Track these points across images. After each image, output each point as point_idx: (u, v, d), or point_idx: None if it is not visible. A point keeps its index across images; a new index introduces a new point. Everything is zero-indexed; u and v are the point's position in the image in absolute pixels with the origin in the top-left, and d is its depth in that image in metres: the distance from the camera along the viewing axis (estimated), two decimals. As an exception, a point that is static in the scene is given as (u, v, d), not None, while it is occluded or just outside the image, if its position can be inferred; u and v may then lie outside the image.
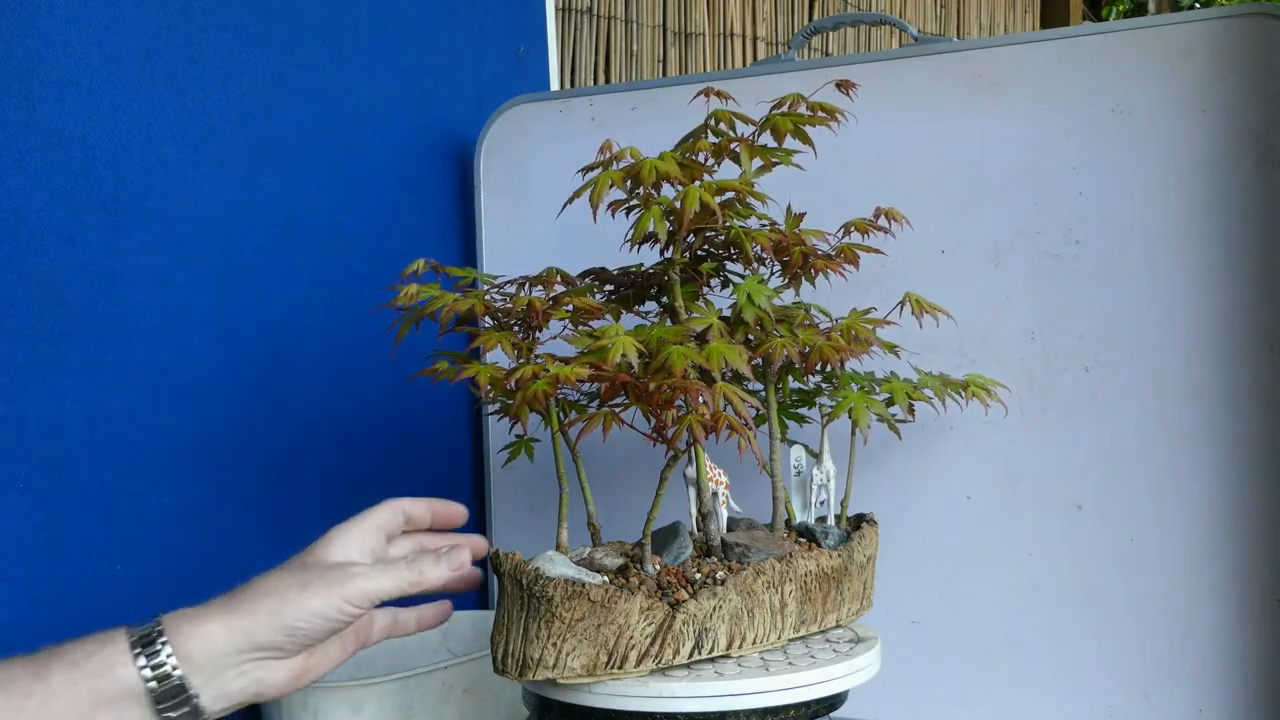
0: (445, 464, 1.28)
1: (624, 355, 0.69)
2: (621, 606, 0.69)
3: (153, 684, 0.63)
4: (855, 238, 0.86)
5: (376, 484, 1.17)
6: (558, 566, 0.72)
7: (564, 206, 0.77)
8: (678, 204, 0.75)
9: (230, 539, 1.00)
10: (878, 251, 0.84)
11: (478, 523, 1.31)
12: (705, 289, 0.84)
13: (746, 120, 0.79)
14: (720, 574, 0.74)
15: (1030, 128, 1.02)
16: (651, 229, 0.74)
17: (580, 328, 0.77)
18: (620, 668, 0.70)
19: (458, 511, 0.80)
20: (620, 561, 0.75)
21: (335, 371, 1.12)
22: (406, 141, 1.24)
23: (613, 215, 0.78)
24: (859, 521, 0.88)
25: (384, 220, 1.20)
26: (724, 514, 0.82)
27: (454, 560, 0.70)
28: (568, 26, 1.88)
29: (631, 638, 0.70)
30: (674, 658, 0.71)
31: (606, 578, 0.72)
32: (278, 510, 1.05)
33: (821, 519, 0.88)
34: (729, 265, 0.85)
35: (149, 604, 0.92)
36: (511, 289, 0.82)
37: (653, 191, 0.75)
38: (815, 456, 0.88)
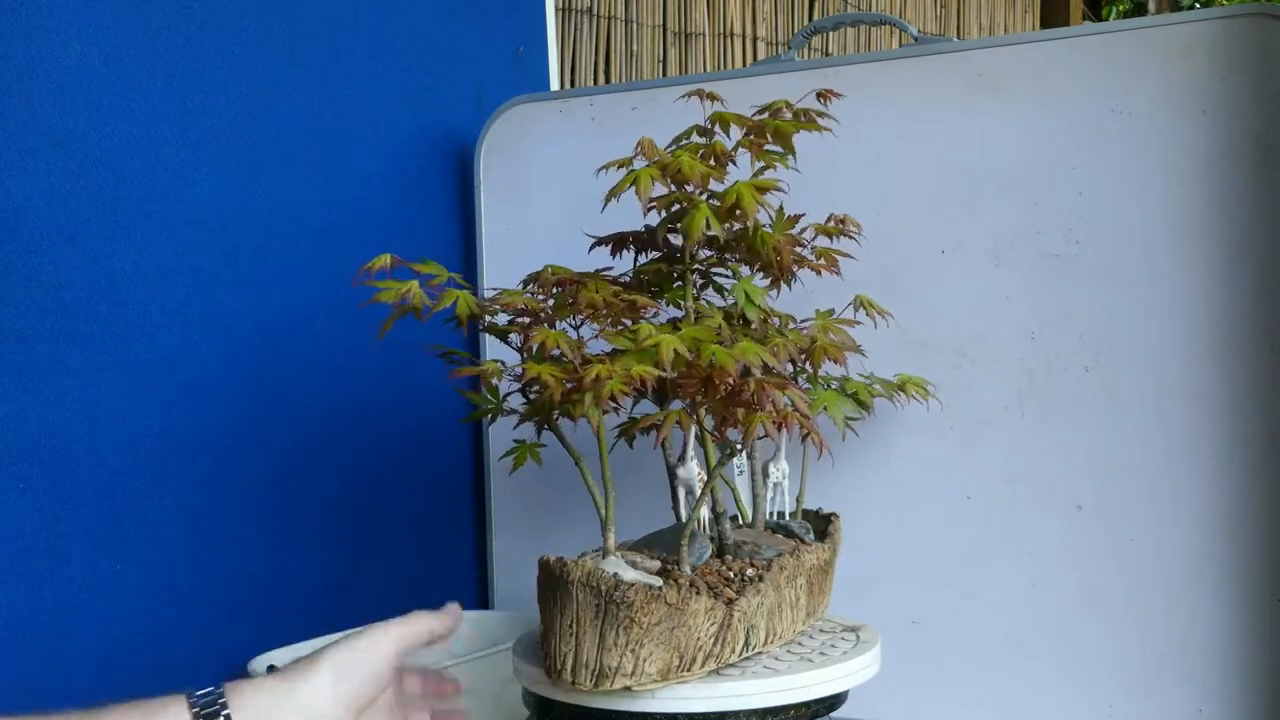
0: (445, 464, 1.28)
1: (676, 353, 0.69)
2: (693, 608, 0.69)
3: None
4: (823, 241, 0.86)
5: (376, 485, 1.17)
6: (627, 571, 0.71)
7: (607, 202, 0.75)
8: (719, 203, 0.74)
9: (230, 539, 1.00)
10: (848, 256, 0.85)
11: (477, 524, 1.31)
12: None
13: (744, 122, 0.79)
14: (750, 572, 0.75)
15: (1030, 128, 1.02)
16: (707, 228, 0.73)
17: (618, 327, 0.76)
18: (689, 670, 0.70)
19: (449, 626, 0.76)
20: (657, 564, 0.75)
21: (335, 371, 1.12)
22: (406, 141, 1.24)
23: (660, 212, 0.77)
24: (826, 518, 0.89)
25: (384, 220, 1.20)
26: (706, 512, 0.82)
27: None
28: (568, 26, 1.88)
29: (699, 639, 0.70)
30: (730, 656, 0.71)
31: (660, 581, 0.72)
32: (277, 510, 1.05)
33: (781, 514, 0.89)
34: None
35: (148, 603, 0.92)
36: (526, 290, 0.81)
37: (688, 189, 0.75)
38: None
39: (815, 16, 2.50)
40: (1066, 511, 1.01)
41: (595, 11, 1.93)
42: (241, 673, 0.98)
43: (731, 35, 2.24)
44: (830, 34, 2.60)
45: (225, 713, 0.63)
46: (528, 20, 1.48)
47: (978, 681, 1.04)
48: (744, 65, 2.26)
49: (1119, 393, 0.99)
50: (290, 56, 1.08)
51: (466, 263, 1.30)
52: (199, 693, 0.64)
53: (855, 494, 1.08)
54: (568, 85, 1.86)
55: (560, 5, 1.85)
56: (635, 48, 2.01)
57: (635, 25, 2.01)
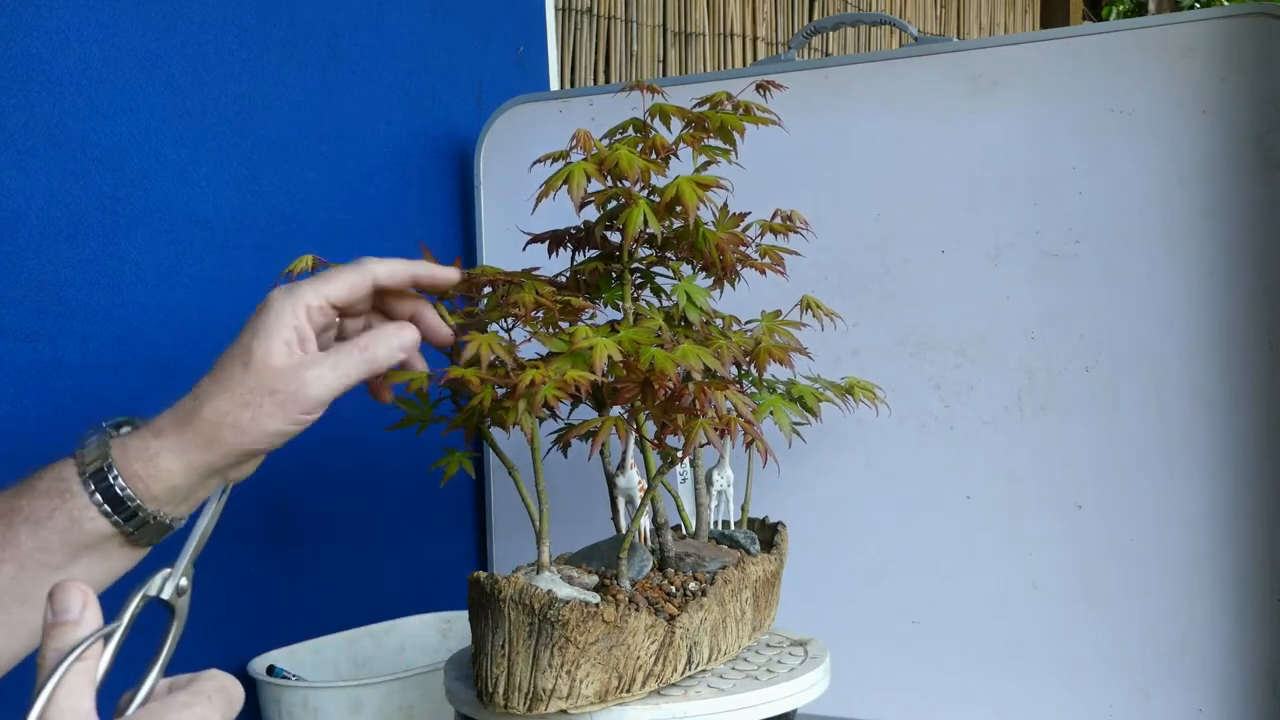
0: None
1: (610, 357, 0.65)
2: (632, 625, 0.65)
3: (128, 528, 0.62)
4: (769, 239, 0.81)
5: (376, 484, 1.17)
6: (563, 587, 0.68)
7: (537, 203, 0.73)
8: (659, 199, 0.70)
9: (229, 538, 1.00)
10: (796, 254, 0.81)
11: (477, 524, 1.31)
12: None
13: (683, 115, 0.76)
14: (692, 586, 0.72)
15: (1030, 128, 1.02)
16: (645, 225, 0.70)
17: (551, 329, 0.71)
18: (629, 691, 0.66)
19: (445, 276, 0.70)
20: (594, 579, 0.72)
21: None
22: (406, 141, 1.24)
23: (597, 209, 0.74)
24: (773, 527, 0.86)
25: (384, 220, 1.20)
26: (647, 523, 0.78)
27: (405, 340, 0.65)
28: (568, 26, 1.89)
29: (639, 658, 0.66)
30: (672, 675, 0.68)
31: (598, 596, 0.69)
32: (276, 510, 1.05)
33: (726, 524, 0.86)
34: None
35: (147, 604, 0.92)
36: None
37: (625, 184, 0.71)
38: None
39: (815, 16, 2.50)
40: (1066, 511, 1.01)
41: (595, 11, 1.93)
42: (241, 674, 0.98)
43: (731, 35, 2.24)
44: (830, 34, 2.60)
45: (126, 490, 0.61)
46: (528, 20, 1.48)
47: (978, 681, 1.04)
48: (744, 65, 2.26)
49: (1119, 393, 0.99)
50: (290, 56, 1.08)
51: (466, 263, 1.30)
52: (88, 466, 0.61)
53: (854, 494, 1.08)
54: (568, 85, 1.86)
55: (560, 5, 1.85)
56: (635, 48, 2.01)
57: (635, 25, 2.01)
